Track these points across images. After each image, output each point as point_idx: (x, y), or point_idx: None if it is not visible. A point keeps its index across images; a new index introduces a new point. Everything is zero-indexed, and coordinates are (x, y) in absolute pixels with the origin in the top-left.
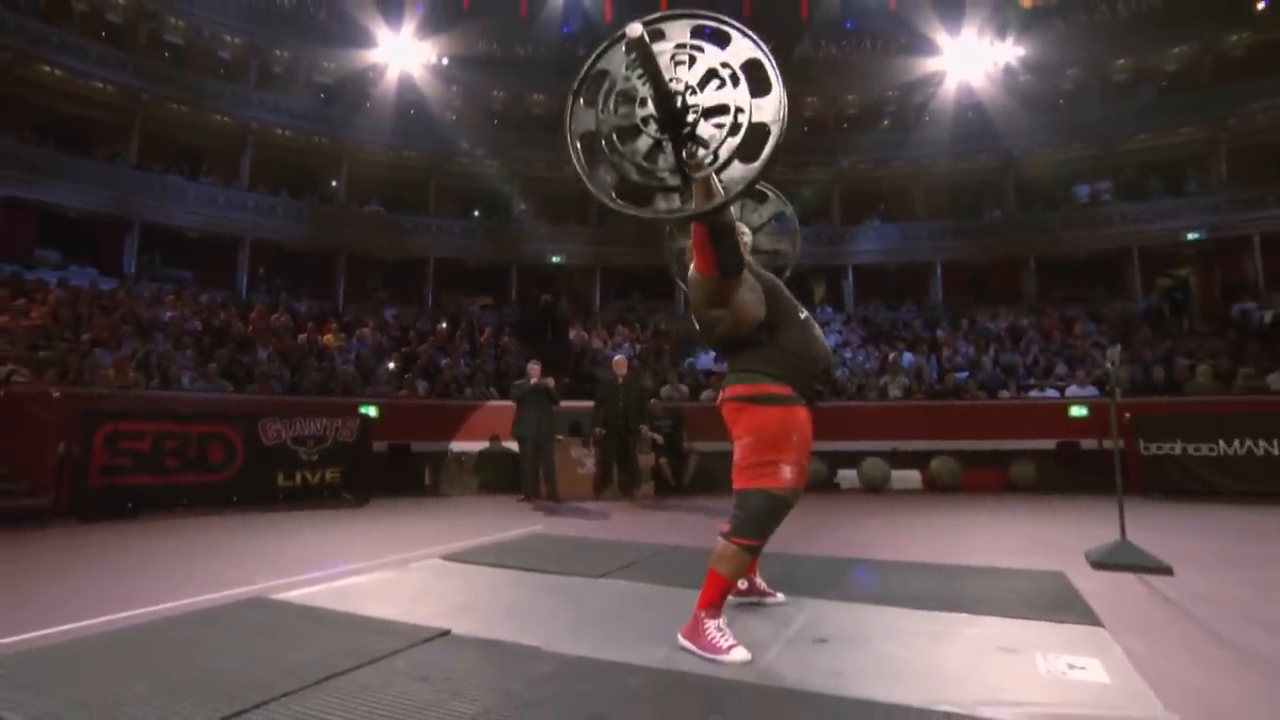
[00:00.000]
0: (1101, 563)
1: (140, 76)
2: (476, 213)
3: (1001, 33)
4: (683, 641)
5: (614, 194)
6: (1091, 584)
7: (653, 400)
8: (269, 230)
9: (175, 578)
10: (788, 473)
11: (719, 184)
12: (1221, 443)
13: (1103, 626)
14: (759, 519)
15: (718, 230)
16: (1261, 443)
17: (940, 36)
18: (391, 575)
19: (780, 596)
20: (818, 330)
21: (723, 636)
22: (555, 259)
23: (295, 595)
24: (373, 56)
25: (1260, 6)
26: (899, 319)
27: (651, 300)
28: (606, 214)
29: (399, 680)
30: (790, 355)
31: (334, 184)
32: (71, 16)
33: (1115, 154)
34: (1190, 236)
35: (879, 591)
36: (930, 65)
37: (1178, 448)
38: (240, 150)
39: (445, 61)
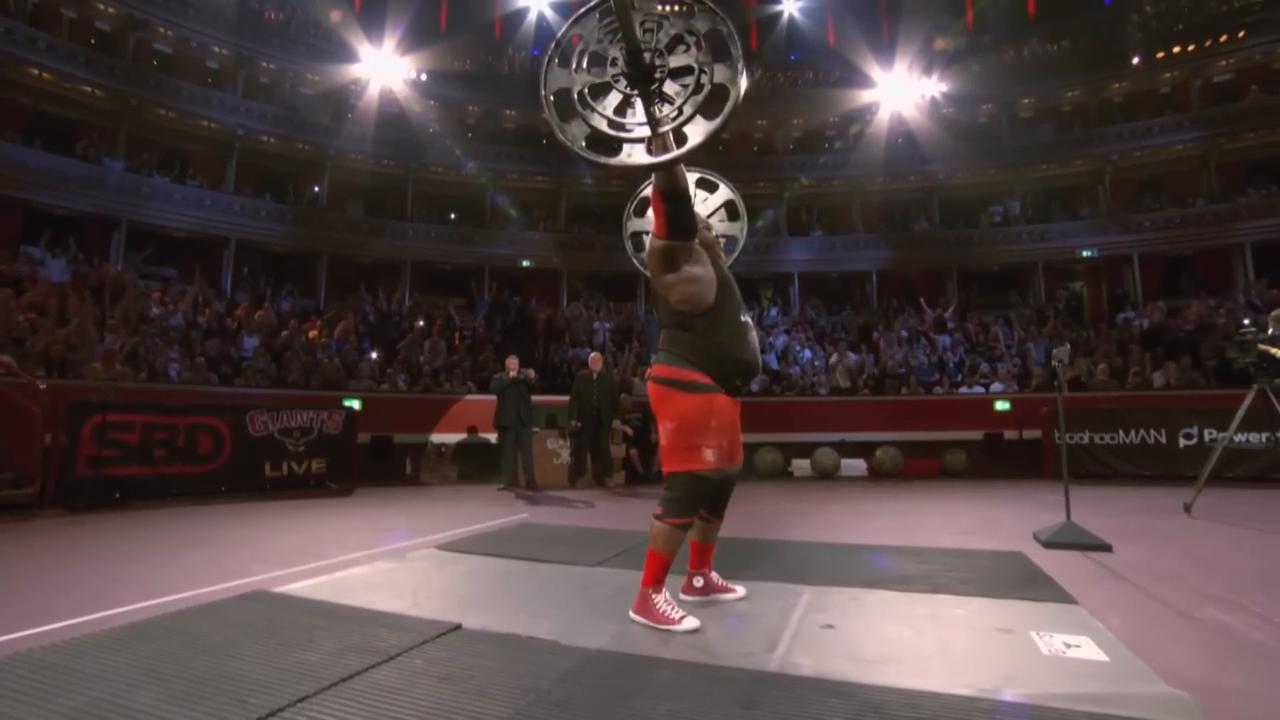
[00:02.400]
0: (1052, 542)
1: (129, 82)
2: (452, 217)
3: (927, 69)
4: (634, 616)
5: (584, 144)
6: (1046, 562)
7: (623, 395)
8: (253, 232)
9: (170, 570)
10: (710, 455)
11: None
12: (1120, 432)
13: (1077, 603)
14: (688, 499)
15: (672, 193)
16: (1153, 432)
17: (874, 71)
18: (390, 566)
19: (740, 590)
20: (754, 336)
21: (671, 609)
22: (525, 263)
23: (296, 588)
24: (355, 70)
25: (1135, 61)
26: (839, 321)
27: (616, 302)
28: (574, 221)
29: (421, 681)
30: (722, 352)
31: (316, 189)
32: (61, 23)
33: (1023, 180)
34: (1084, 254)
35: (865, 575)
36: (865, 96)
37: (1085, 437)
38: (227, 155)
39: (423, 77)
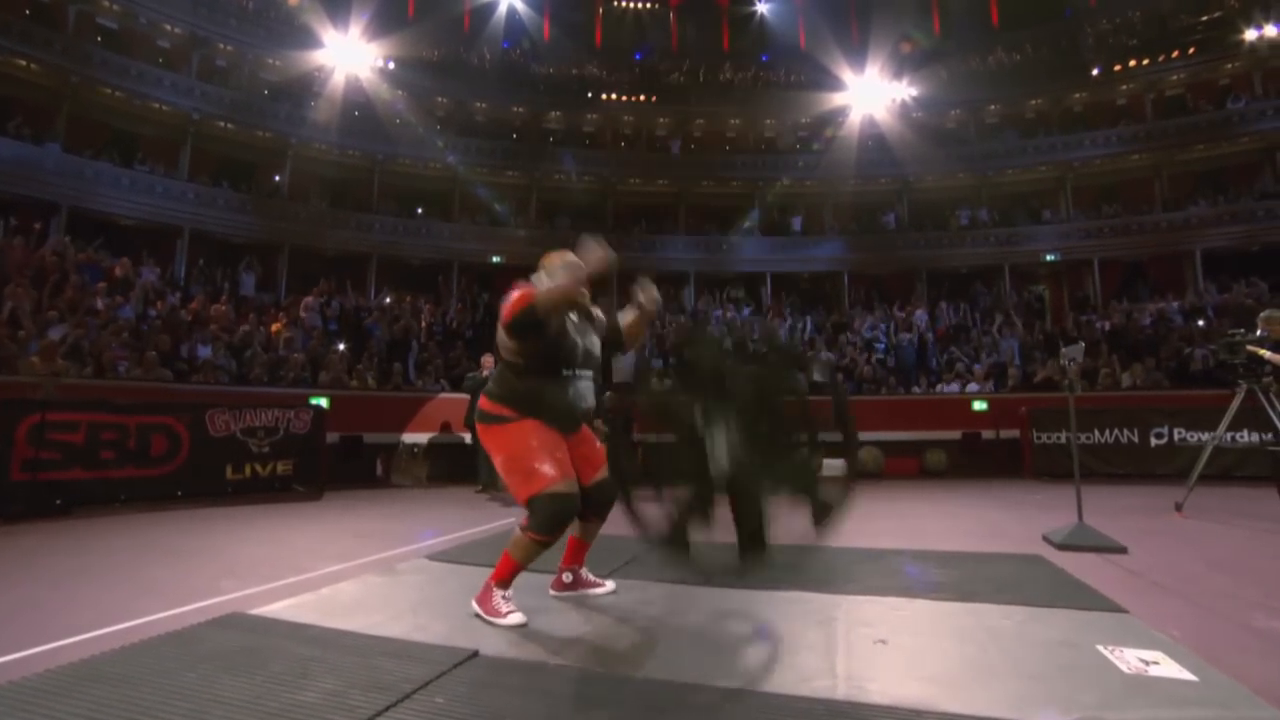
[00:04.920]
0: (1065, 544)
1: (69, 58)
2: (420, 211)
3: (896, 73)
4: (473, 606)
5: None
6: (1064, 566)
7: (607, 394)
8: (210, 222)
9: (126, 588)
10: (548, 469)
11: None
12: (1095, 432)
13: (1128, 612)
14: (548, 519)
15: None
16: (1126, 432)
17: (845, 73)
18: (381, 580)
19: (610, 585)
20: (578, 384)
21: (505, 604)
22: (495, 259)
23: (278, 609)
24: (319, 56)
25: (1094, 73)
26: (814, 321)
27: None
28: (546, 217)
29: None
30: (532, 395)
31: (277, 178)
32: None
33: (989, 184)
34: (1048, 258)
35: (895, 583)
36: (836, 98)
37: (1062, 437)
38: (180, 140)
39: (391, 65)
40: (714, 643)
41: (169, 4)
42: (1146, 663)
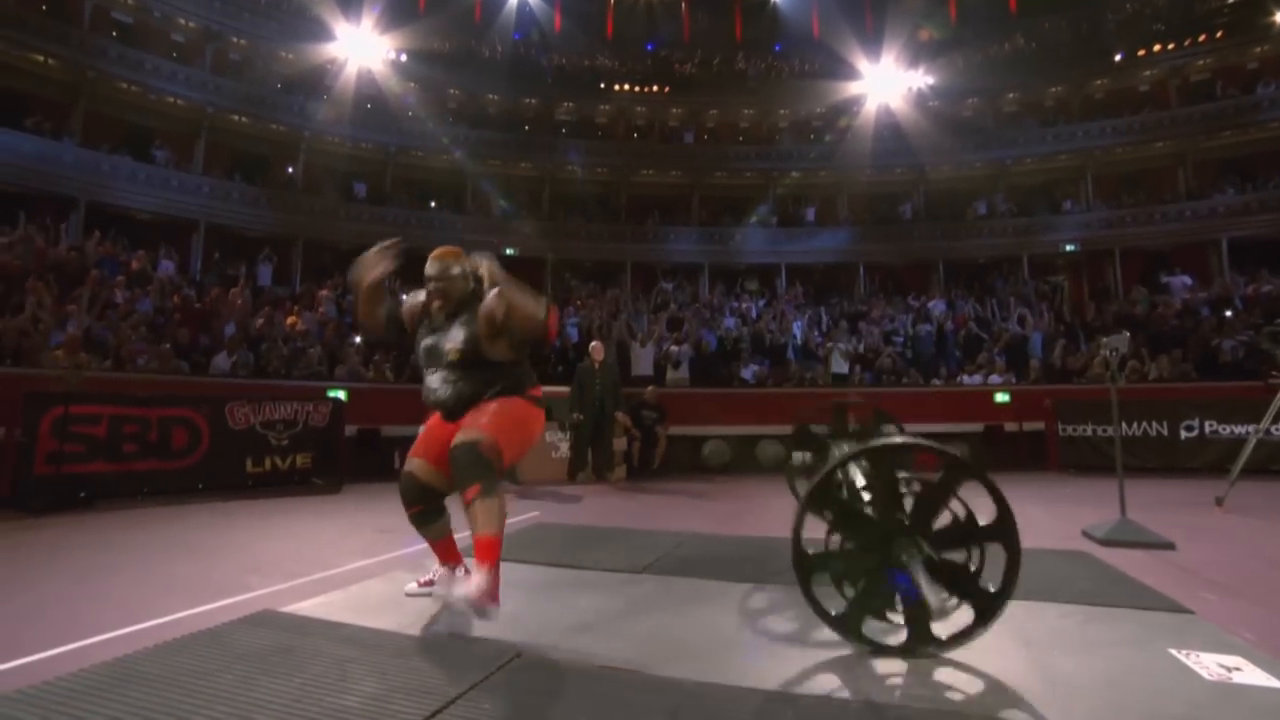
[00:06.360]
0: (1109, 539)
1: (85, 52)
2: (432, 204)
3: (912, 62)
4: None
5: None
6: (1112, 562)
7: (649, 388)
8: (224, 215)
9: (153, 584)
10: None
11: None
12: (1124, 424)
13: (1193, 613)
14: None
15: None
16: (1156, 425)
17: (860, 62)
18: (409, 578)
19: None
20: (428, 379)
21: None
22: (509, 250)
23: (308, 607)
24: (331, 49)
25: (1117, 59)
26: (829, 312)
27: (602, 291)
28: (559, 209)
29: None
30: None
31: (290, 170)
32: None
33: (1008, 174)
34: (1067, 248)
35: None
36: (852, 87)
37: (1088, 429)
38: (195, 134)
39: (403, 58)
40: (757, 642)
41: None
42: (1228, 669)
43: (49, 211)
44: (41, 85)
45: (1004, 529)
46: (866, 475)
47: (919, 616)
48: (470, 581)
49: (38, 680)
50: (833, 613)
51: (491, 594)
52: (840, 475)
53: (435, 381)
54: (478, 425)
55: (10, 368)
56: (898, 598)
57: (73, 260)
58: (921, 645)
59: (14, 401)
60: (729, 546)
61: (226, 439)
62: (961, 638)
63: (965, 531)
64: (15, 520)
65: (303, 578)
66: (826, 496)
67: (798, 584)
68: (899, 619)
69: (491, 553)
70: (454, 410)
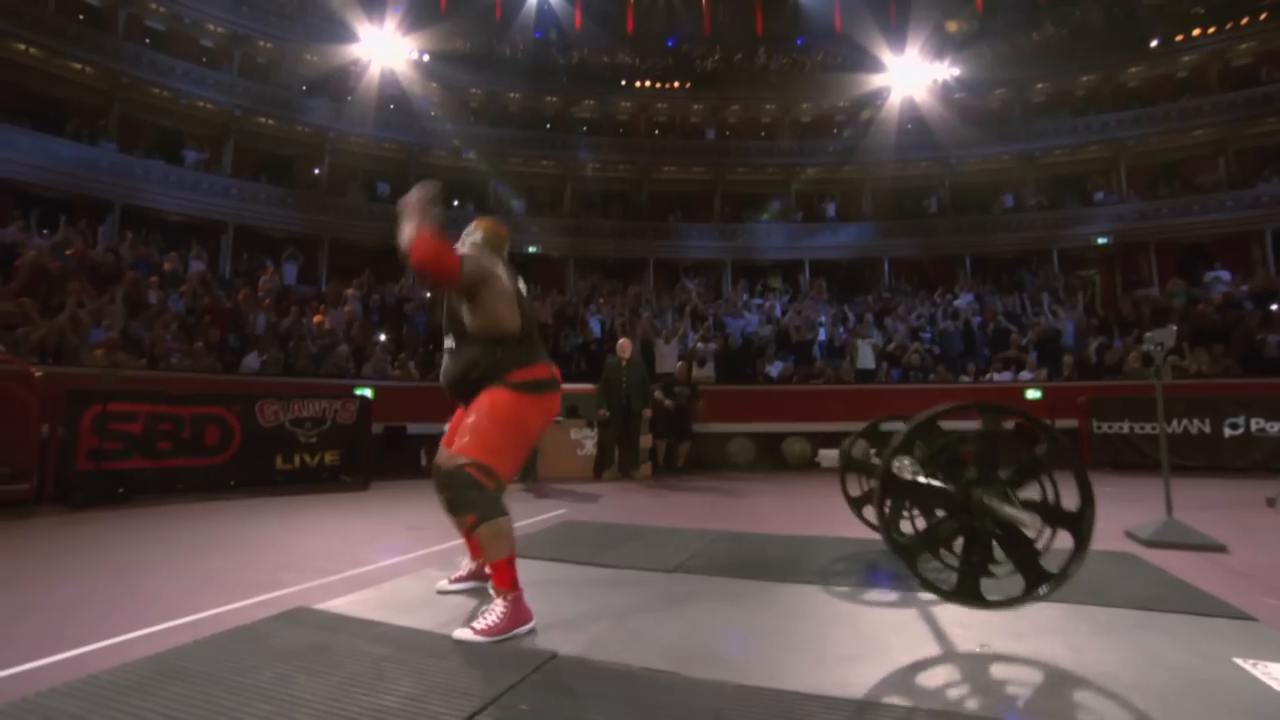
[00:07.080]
0: (1155, 541)
1: (120, 59)
2: (455, 202)
3: (937, 53)
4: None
5: None
6: (1159, 564)
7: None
8: (252, 216)
9: (189, 579)
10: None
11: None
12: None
13: (1255, 619)
14: None
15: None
16: (1197, 422)
17: (883, 54)
18: (442, 575)
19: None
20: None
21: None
22: (532, 249)
23: (342, 604)
24: (355, 50)
25: (1154, 44)
26: (853, 309)
27: (625, 289)
28: (580, 207)
29: None
30: None
31: (316, 171)
32: None
33: (1037, 165)
34: (1099, 240)
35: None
36: (875, 80)
37: (1125, 427)
38: (224, 137)
39: (425, 58)
40: (799, 644)
41: (211, 3)
42: None
43: (86, 214)
44: (79, 92)
45: (1082, 519)
46: (932, 448)
47: (1026, 555)
48: (493, 611)
49: (84, 673)
50: (945, 588)
51: (518, 620)
52: (900, 461)
53: (445, 358)
54: (461, 446)
55: (52, 366)
56: (994, 546)
57: (109, 262)
58: (1034, 587)
59: (56, 399)
60: (760, 545)
61: (257, 436)
62: (1061, 577)
63: (1044, 507)
64: (59, 515)
65: (335, 575)
66: (900, 479)
67: (906, 570)
68: (1005, 570)
69: (506, 577)
70: (452, 393)
